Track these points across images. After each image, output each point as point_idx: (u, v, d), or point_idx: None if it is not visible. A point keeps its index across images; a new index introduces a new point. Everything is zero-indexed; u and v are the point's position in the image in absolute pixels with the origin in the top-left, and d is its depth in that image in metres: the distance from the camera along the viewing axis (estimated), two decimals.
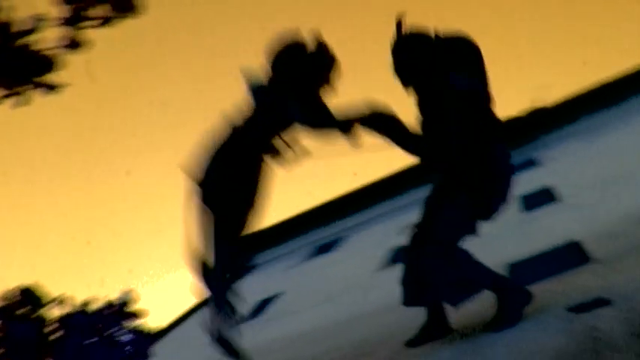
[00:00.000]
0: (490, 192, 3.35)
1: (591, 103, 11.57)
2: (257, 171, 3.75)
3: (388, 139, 3.40)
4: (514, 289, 3.34)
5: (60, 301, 3.42)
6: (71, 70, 3.79)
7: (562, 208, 6.64)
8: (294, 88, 3.56)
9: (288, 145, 3.72)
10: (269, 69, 3.65)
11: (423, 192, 3.62)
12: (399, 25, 3.34)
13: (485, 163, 3.31)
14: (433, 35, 3.36)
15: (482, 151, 3.30)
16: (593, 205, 6.03)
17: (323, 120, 3.51)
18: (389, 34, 3.33)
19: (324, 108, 3.61)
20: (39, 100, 3.71)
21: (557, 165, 9.08)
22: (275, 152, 3.75)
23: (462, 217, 3.36)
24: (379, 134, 3.40)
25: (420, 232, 3.47)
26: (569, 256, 4.69)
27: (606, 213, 5.57)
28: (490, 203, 3.39)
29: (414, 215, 3.64)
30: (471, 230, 3.41)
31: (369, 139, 3.43)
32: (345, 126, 3.44)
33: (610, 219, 5.29)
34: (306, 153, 3.75)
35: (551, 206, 6.93)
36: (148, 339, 3.50)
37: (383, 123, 3.36)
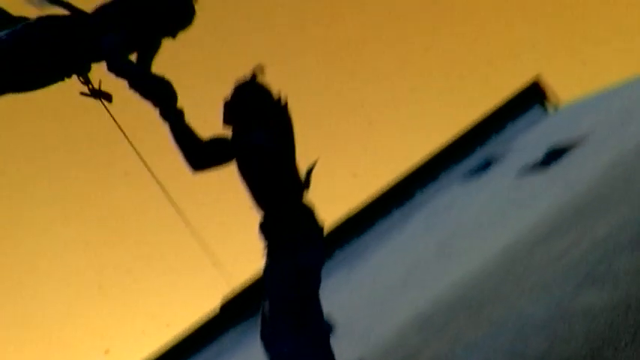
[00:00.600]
0: (304, 248, 3.31)
1: (352, 228, 12.34)
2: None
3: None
4: None
5: None
6: None
7: (339, 336, 6.72)
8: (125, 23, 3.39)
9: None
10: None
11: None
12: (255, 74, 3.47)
13: (294, 218, 3.33)
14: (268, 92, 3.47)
15: (288, 208, 3.35)
16: (367, 327, 6.21)
17: (138, 72, 3.33)
18: None
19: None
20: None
21: (329, 294, 9.32)
22: (84, 77, 3.40)
23: (287, 277, 3.26)
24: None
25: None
26: None
27: (380, 331, 5.75)
28: (307, 260, 3.32)
29: None
30: (306, 288, 3.31)
31: None
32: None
33: (384, 336, 5.45)
34: (108, 97, 3.42)
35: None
36: None
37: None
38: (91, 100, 3.46)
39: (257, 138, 3.32)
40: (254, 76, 3.55)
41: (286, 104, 3.51)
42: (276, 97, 3.51)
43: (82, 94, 3.41)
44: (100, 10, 3.47)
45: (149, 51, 3.54)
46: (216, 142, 3.38)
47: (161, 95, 3.30)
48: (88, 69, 3.45)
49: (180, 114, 3.34)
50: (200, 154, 3.34)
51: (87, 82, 3.42)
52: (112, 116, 3.51)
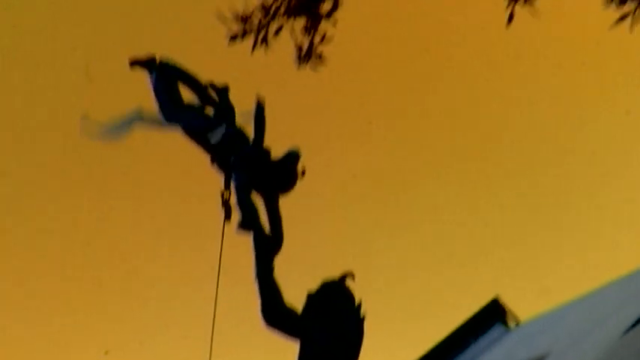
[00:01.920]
0: None
1: None
2: None
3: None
4: None
5: None
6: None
7: None
8: (248, 165, 3.75)
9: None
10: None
11: None
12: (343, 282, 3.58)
13: None
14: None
15: None
16: None
17: (250, 215, 3.61)
18: None
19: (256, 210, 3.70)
20: None
21: None
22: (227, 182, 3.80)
23: None
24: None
25: None
26: None
27: None
28: None
29: None
30: None
31: None
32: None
33: None
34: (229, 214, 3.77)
35: None
36: None
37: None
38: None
39: (322, 340, 3.41)
40: (343, 279, 3.71)
41: (363, 319, 3.62)
42: (356, 305, 3.65)
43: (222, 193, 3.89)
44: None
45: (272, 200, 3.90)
46: (293, 315, 3.48)
47: (268, 242, 3.54)
48: (229, 179, 3.90)
49: (271, 267, 3.51)
50: (275, 312, 3.41)
51: (227, 187, 3.87)
52: (222, 236, 3.92)
